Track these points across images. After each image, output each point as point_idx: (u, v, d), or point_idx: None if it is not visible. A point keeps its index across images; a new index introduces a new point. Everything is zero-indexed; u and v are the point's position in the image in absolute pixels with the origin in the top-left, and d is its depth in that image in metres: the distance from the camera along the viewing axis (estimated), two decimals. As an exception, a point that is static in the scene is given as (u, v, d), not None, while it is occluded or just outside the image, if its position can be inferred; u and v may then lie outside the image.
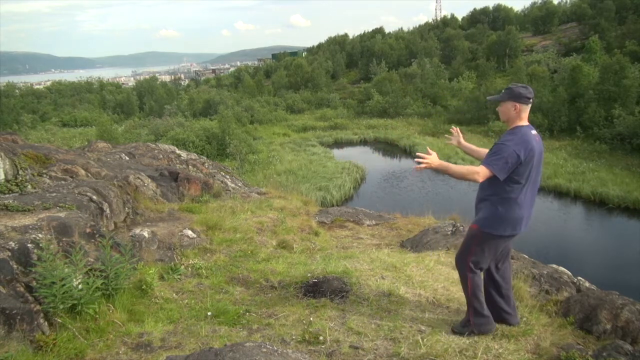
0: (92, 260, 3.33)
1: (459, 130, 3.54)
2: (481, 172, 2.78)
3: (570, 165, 26.37)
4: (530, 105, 3.01)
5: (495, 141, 3.02)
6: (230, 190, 8.30)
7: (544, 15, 65.54)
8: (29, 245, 3.05)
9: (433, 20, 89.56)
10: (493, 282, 3.20)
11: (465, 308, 3.39)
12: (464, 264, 3.05)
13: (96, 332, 2.91)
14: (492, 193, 2.94)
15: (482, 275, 3.11)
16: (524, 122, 2.99)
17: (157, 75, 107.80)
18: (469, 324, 3.09)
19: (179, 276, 4.04)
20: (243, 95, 55.83)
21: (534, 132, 2.96)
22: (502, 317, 3.22)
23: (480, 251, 3.01)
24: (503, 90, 3.05)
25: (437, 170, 2.80)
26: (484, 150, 3.30)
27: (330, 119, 46.32)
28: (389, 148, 37.24)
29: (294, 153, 33.61)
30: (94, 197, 4.42)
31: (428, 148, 2.92)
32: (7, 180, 4.38)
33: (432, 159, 2.75)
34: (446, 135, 3.60)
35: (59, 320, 2.86)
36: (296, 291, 3.91)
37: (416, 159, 2.77)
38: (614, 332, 3.24)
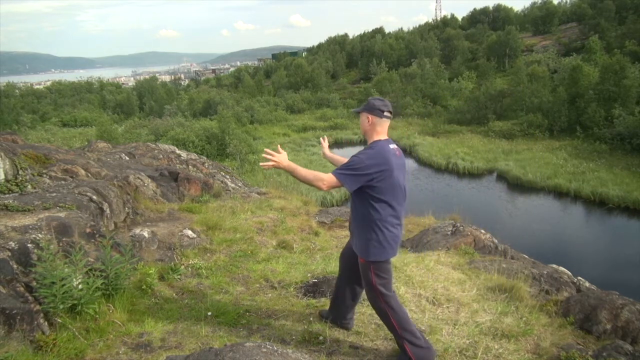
0: (92, 260, 3.33)
1: (324, 140, 3.55)
2: (327, 180, 2.64)
3: (570, 165, 26.37)
4: (386, 120, 2.83)
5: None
6: (230, 190, 8.30)
7: (544, 15, 65.58)
8: (29, 245, 3.05)
9: (433, 20, 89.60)
10: (351, 289, 3.14)
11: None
12: (376, 300, 2.83)
13: (96, 332, 2.91)
14: (363, 217, 2.79)
15: (396, 302, 2.85)
16: (382, 136, 2.83)
17: (157, 75, 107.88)
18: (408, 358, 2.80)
19: (179, 276, 4.04)
20: (243, 95, 55.85)
21: (392, 146, 2.82)
22: (345, 320, 3.20)
23: (380, 279, 2.81)
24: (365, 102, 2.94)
25: (286, 171, 2.65)
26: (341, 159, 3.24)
27: (330, 119, 46.34)
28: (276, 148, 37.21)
29: (294, 153, 33.64)
30: (94, 197, 4.41)
31: (279, 146, 2.84)
32: (7, 180, 4.38)
33: (281, 158, 2.64)
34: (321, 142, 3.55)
35: (59, 320, 2.86)
36: (296, 291, 3.91)
37: (264, 155, 2.66)
38: (614, 332, 3.24)
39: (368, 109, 2.84)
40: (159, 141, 25.65)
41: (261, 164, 2.69)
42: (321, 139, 3.64)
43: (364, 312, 3.48)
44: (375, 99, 2.87)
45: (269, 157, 2.64)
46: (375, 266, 2.79)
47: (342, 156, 3.31)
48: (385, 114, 2.82)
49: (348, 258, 3.09)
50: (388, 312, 2.80)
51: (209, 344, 2.91)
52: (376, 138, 2.84)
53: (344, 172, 2.67)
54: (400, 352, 2.85)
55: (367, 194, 2.73)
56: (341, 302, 3.18)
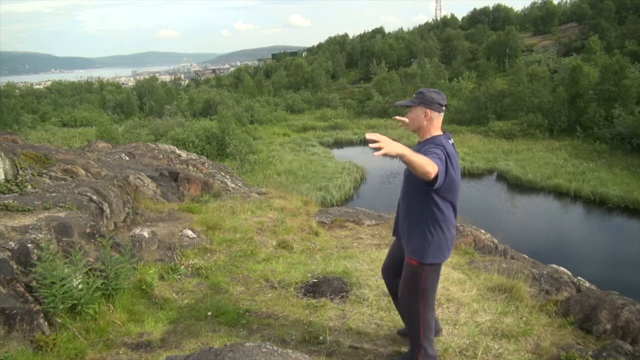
0: (92, 260, 3.33)
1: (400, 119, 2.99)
2: (435, 167, 2.28)
3: (570, 165, 26.38)
4: (442, 114, 2.62)
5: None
6: (230, 190, 8.30)
7: (544, 15, 65.63)
8: (29, 245, 3.05)
9: (433, 20, 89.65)
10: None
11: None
12: (416, 306, 2.67)
13: (96, 332, 2.91)
14: (423, 216, 2.58)
15: (432, 312, 2.74)
16: (439, 131, 2.62)
17: (157, 75, 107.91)
18: None
19: (179, 276, 4.04)
20: (243, 95, 55.83)
21: (451, 141, 2.61)
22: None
23: (429, 285, 2.66)
24: (414, 95, 2.67)
25: (399, 157, 2.20)
26: None
27: (330, 119, 46.34)
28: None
29: (294, 153, 33.63)
30: (94, 197, 4.41)
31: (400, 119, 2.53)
32: (7, 180, 4.37)
33: (392, 142, 2.17)
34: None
35: (59, 320, 2.86)
36: (296, 291, 3.91)
37: (371, 145, 2.20)
38: (614, 332, 3.24)
39: (426, 102, 2.58)
40: (159, 141, 25.65)
41: (375, 154, 2.22)
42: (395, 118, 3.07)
43: (363, 312, 3.48)
44: (431, 91, 2.61)
45: (376, 144, 2.16)
46: (430, 268, 2.61)
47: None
48: (443, 108, 2.62)
49: (394, 271, 2.90)
50: (420, 316, 2.66)
51: (209, 344, 2.91)
52: (434, 134, 2.61)
53: (439, 164, 2.33)
54: (409, 353, 2.77)
55: (432, 192, 2.47)
56: None
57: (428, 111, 2.58)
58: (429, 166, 2.24)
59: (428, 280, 2.63)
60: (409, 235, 2.67)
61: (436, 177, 2.29)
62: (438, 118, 2.61)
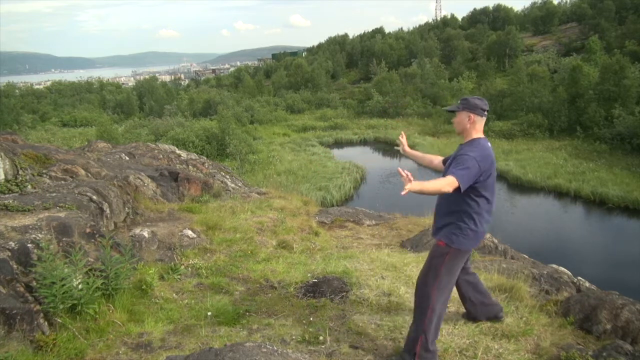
0: (92, 260, 3.33)
1: (403, 137, 3.44)
2: (450, 183, 2.66)
3: (570, 165, 26.38)
4: (485, 118, 2.95)
5: (456, 151, 2.95)
6: (230, 190, 8.29)
7: (544, 15, 65.61)
8: (29, 245, 3.05)
9: (433, 20, 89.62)
10: (469, 283, 3.22)
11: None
12: (429, 286, 2.84)
13: (96, 332, 2.91)
14: (458, 207, 2.86)
15: (445, 299, 2.90)
16: (480, 134, 2.93)
17: (157, 75, 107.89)
18: (415, 353, 2.80)
19: (179, 276, 4.04)
20: (243, 95, 55.81)
21: (489, 144, 2.92)
22: (489, 311, 3.27)
23: (448, 268, 2.86)
24: (459, 101, 3.00)
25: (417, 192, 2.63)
26: (430, 156, 3.33)
27: (330, 119, 46.33)
28: (389, 148, 37.25)
29: (294, 153, 33.62)
30: (94, 197, 4.41)
31: (409, 174, 2.72)
32: (7, 180, 4.37)
33: (412, 184, 2.57)
34: (398, 142, 3.43)
35: (59, 320, 2.86)
36: (296, 291, 3.91)
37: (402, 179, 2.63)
38: (614, 332, 3.23)
39: (470, 107, 2.91)
40: (159, 141, 25.65)
41: (402, 193, 2.63)
42: (400, 136, 3.47)
43: (363, 312, 3.48)
44: (474, 98, 2.95)
45: (406, 182, 2.57)
46: (455, 253, 2.86)
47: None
48: (485, 112, 2.93)
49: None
50: (431, 300, 2.81)
51: (209, 344, 2.91)
52: (475, 136, 2.92)
53: (461, 172, 2.70)
54: (409, 340, 2.86)
55: (469, 188, 2.76)
56: (475, 299, 3.23)
57: (472, 115, 2.90)
58: (445, 187, 2.65)
59: (449, 263, 2.86)
60: (443, 222, 2.94)
61: (458, 187, 2.67)
62: (480, 122, 2.93)
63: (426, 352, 2.76)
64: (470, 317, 3.34)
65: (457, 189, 2.68)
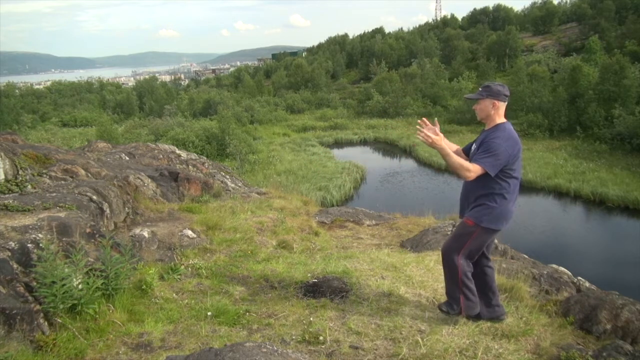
0: (92, 260, 3.33)
1: (429, 123, 3.17)
2: (473, 170, 2.81)
3: (570, 165, 26.37)
4: (506, 103, 3.04)
5: (478, 137, 3.10)
6: (230, 190, 8.30)
7: (544, 15, 65.60)
8: (29, 245, 3.05)
9: (433, 20, 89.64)
10: (485, 275, 3.27)
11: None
12: (455, 256, 3.07)
13: (96, 332, 2.91)
14: (489, 189, 2.98)
15: (469, 263, 3.13)
16: (503, 118, 3.04)
17: (157, 75, 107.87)
18: (459, 307, 3.17)
19: (179, 276, 4.04)
20: (243, 95, 55.83)
21: (511, 127, 3.04)
22: (493, 312, 3.28)
23: (475, 244, 3.06)
24: (480, 88, 3.10)
25: (435, 149, 2.84)
26: (456, 147, 3.33)
27: (330, 119, 46.31)
28: (389, 148, 37.26)
29: (294, 153, 33.61)
30: (94, 197, 4.41)
31: (436, 120, 3.03)
32: (7, 180, 4.37)
33: (437, 138, 2.81)
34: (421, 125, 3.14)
35: (59, 320, 2.86)
36: (296, 291, 3.91)
37: (418, 128, 2.89)
38: (614, 332, 3.24)
39: (493, 94, 2.99)
40: (159, 141, 25.65)
41: (417, 134, 2.85)
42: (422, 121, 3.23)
43: (363, 312, 3.48)
44: (496, 85, 3.02)
45: (423, 133, 2.81)
46: (483, 231, 3.01)
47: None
48: (507, 98, 3.02)
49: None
50: (458, 267, 3.05)
51: (209, 344, 2.91)
52: (499, 121, 3.02)
53: (488, 159, 2.84)
54: (450, 301, 3.18)
55: (500, 171, 2.89)
56: (485, 293, 3.29)
57: (496, 102, 2.99)
58: (465, 171, 2.81)
59: (477, 240, 3.04)
60: (473, 203, 3.07)
61: (484, 173, 2.84)
62: (503, 107, 3.03)
63: (469, 303, 3.12)
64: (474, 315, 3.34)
65: (486, 173, 2.83)
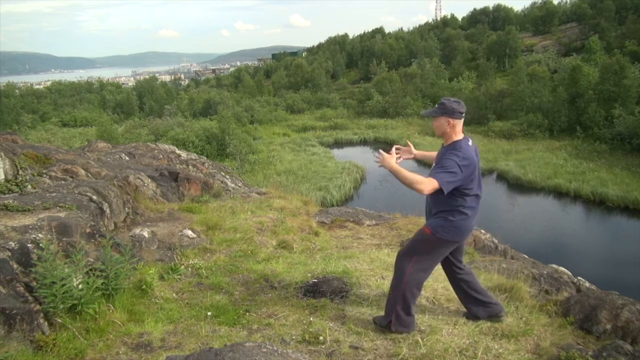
0: (92, 260, 3.33)
1: (400, 147, 3.47)
2: (428, 184, 2.78)
3: (570, 165, 26.37)
4: (462, 120, 3.02)
5: (441, 152, 3.09)
6: (230, 190, 8.30)
7: (544, 15, 65.61)
8: (29, 245, 3.05)
9: (433, 20, 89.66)
10: (464, 281, 3.27)
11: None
12: (405, 264, 3.06)
13: (96, 332, 2.91)
14: (447, 205, 3.00)
15: (421, 276, 3.12)
16: (460, 135, 3.02)
17: (157, 75, 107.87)
18: (390, 320, 3.10)
19: (179, 276, 4.04)
20: (243, 95, 55.83)
21: (470, 143, 3.01)
22: (490, 310, 3.27)
23: (428, 255, 3.07)
24: (436, 105, 3.07)
25: (386, 168, 2.89)
26: (433, 153, 3.36)
27: (330, 119, 46.31)
28: (389, 148, 37.17)
29: (294, 153, 33.61)
30: (94, 197, 4.41)
31: (394, 148, 3.11)
32: (7, 180, 4.37)
33: (388, 160, 2.89)
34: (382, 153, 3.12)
35: (59, 320, 2.86)
36: (296, 291, 3.91)
37: (377, 156, 2.98)
38: (614, 332, 3.24)
39: (448, 112, 2.97)
40: (159, 141, 25.65)
41: (375, 161, 3.00)
42: (394, 148, 3.40)
43: (363, 312, 3.48)
44: (451, 102, 2.99)
45: (379, 158, 2.95)
46: (439, 241, 3.02)
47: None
48: (463, 115, 3.00)
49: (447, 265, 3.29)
50: (405, 276, 3.04)
51: (209, 344, 2.91)
52: (456, 138, 3.01)
53: (442, 174, 2.83)
54: (387, 306, 3.14)
55: (457, 189, 2.92)
56: (473, 296, 3.28)
57: (450, 120, 2.97)
58: (419, 185, 2.77)
59: (432, 250, 3.05)
60: (433, 215, 3.09)
61: (439, 188, 2.81)
62: (459, 124, 3.01)
63: (400, 319, 3.05)
64: (471, 316, 3.33)
65: (440, 190, 2.83)
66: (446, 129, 2.99)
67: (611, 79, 33.43)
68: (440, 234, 2.99)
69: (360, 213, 7.52)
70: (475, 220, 3.12)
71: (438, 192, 2.89)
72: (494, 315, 3.28)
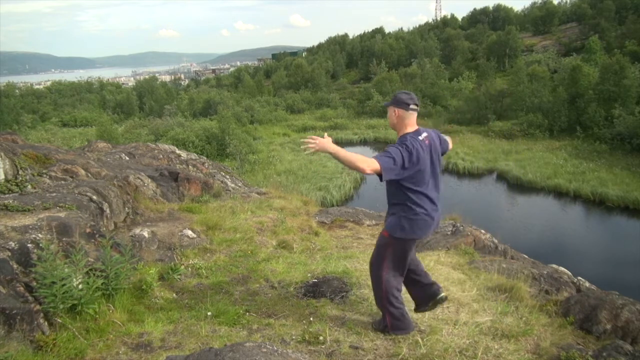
0: (92, 260, 3.33)
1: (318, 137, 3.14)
2: (370, 164, 2.64)
3: (570, 165, 26.38)
4: (413, 112, 2.92)
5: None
6: (230, 190, 8.30)
7: (544, 15, 65.62)
8: (29, 245, 3.05)
9: (433, 20, 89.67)
10: (409, 271, 3.19)
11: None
12: (379, 271, 3.04)
13: (96, 332, 2.91)
14: (398, 199, 2.96)
15: (397, 277, 3.06)
16: (409, 128, 2.93)
17: (157, 75, 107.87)
18: (387, 325, 3.10)
19: (179, 276, 4.04)
20: (243, 95, 55.84)
21: (422, 137, 2.91)
22: (430, 293, 3.19)
23: (395, 256, 3.01)
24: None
25: (326, 152, 2.72)
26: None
27: (330, 119, 46.33)
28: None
29: (294, 153, 33.61)
30: (94, 197, 4.42)
31: (326, 134, 2.91)
32: (7, 180, 4.37)
33: (324, 141, 2.74)
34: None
35: (59, 320, 2.86)
36: (296, 291, 3.91)
37: (304, 141, 2.80)
38: (614, 332, 3.24)
39: (394, 102, 2.94)
40: (159, 141, 25.64)
41: (302, 147, 2.81)
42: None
43: (363, 312, 3.48)
44: (401, 93, 2.98)
45: (310, 142, 2.75)
46: (397, 242, 2.97)
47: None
48: (412, 106, 2.91)
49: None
50: (382, 283, 3.03)
51: (209, 344, 2.91)
52: (404, 131, 2.94)
53: (385, 160, 2.70)
54: (380, 319, 3.16)
55: (406, 182, 2.87)
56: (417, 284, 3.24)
57: (397, 110, 2.93)
58: (360, 163, 2.63)
59: (395, 252, 3.01)
60: (389, 216, 3.07)
61: (379, 173, 2.71)
62: (408, 117, 2.93)
63: (395, 322, 3.06)
64: (420, 307, 3.25)
65: (398, 184, 2.85)
66: (393, 120, 2.96)
67: (611, 79, 33.44)
68: (397, 234, 2.93)
69: (360, 213, 7.52)
70: (437, 221, 3.03)
71: (390, 185, 2.92)
72: (433, 295, 3.17)
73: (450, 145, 3.29)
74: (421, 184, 2.89)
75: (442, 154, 3.13)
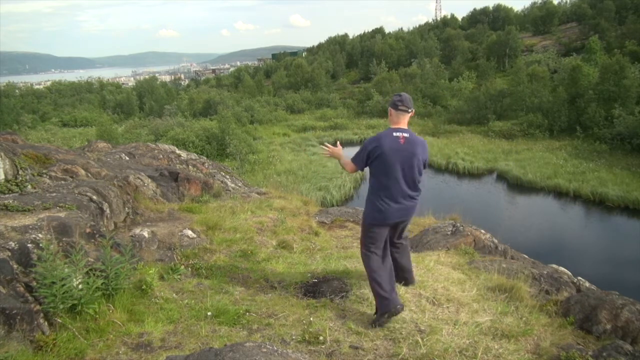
0: (92, 260, 3.33)
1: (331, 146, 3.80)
2: (348, 163, 3.44)
3: (570, 165, 26.37)
4: (401, 113, 3.29)
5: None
6: (230, 190, 8.30)
7: (544, 15, 65.63)
8: (29, 245, 3.05)
9: (433, 20, 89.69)
10: (394, 259, 3.64)
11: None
12: (362, 251, 3.44)
13: (96, 332, 2.91)
14: (369, 187, 3.41)
15: (374, 257, 3.38)
16: (393, 125, 3.32)
17: (157, 75, 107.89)
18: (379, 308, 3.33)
19: (179, 276, 4.04)
20: (243, 95, 55.84)
21: (397, 134, 3.25)
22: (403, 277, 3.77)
23: (368, 239, 3.38)
24: None
25: (334, 157, 3.60)
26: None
27: (330, 119, 46.32)
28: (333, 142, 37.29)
29: (294, 153, 33.63)
30: (94, 197, 4.41)
31: (338, 143, 3.75)
32: (7, 180, 4.37)
33: (334, 150, 3.59)
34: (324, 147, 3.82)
35: (59, 320, 2.86)
36: (296, 291, 3.91)
37: (322, 146, 3.73)
38: (614, 332, 3.24)
39: (389, 102, 3.38)
40: (159, 141, 25.65)
41: (323, 153, 3.71)
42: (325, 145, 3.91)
43: (363, 312, 3.48)
44: (395, 95, 3.38)
45: (325, 149, 3.65)
46: (366, 227, 3.40)
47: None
48: (400, 107, 3.28)
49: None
50: (364, 263, 3.44)
51: (209, 344, 2.91)
52: (390, 126, 3.35)
53: (356, 154, 3.36)
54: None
55: (370, 169, 3.35)
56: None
57: (390, 109, 3.36)
58: (345, 165, 3.50)
59: (366, 235, 3.41)
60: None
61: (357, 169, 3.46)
62: (396, 115, 3.32)
63: (381, 300, 3.26)
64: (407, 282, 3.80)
65: (371, 174, 3.35)
66: (389, 118, 3.38)
67: (611, 79, 33.44)
68: (367, 220, 3.37)
69: (360, 213, 7.51)
70: (401, 211, 3.32)
71: (368, 179, 3.41)
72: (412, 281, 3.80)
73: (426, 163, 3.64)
74: (383, 173, 3.25)
75: (424, 163, 3.41)
